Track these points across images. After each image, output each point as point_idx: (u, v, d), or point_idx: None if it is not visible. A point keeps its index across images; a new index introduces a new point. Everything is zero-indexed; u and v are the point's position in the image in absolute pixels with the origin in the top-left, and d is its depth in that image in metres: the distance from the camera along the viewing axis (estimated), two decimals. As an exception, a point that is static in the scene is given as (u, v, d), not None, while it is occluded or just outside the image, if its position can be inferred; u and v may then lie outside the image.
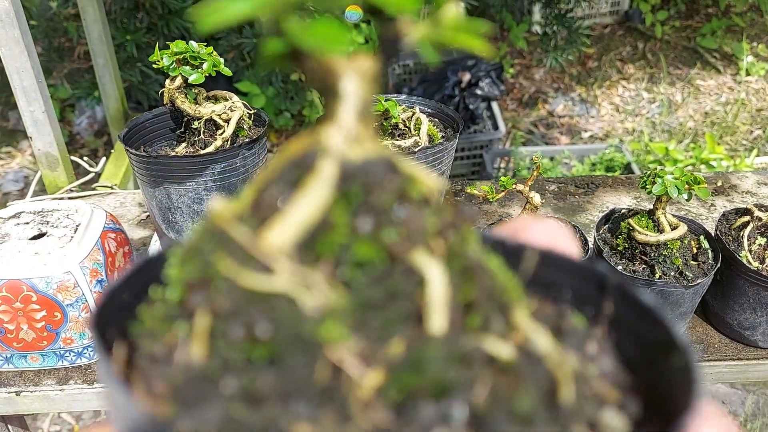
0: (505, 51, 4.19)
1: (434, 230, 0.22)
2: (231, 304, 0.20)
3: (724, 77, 4.09)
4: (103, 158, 1.38)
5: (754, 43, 4.25)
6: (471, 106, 3.43)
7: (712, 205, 1.29)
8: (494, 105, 3.45)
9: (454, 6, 0.22)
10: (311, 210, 0.21)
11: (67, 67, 3.45)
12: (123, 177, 1.48)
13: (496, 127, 3.32)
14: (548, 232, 0.29)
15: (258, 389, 0.19)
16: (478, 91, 3.47)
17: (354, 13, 0.21)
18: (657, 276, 0.94)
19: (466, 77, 3.51)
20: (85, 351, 0.99)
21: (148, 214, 1.27)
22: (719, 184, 1.35)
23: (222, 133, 0.85)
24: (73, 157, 1.32)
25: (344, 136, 0.22)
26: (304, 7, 0.21)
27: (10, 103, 3.61)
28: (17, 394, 0.97)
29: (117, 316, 0.23)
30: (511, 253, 0.27)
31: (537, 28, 3.92)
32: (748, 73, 4.07)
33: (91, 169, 1.33)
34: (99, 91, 1.69)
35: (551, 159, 3.39)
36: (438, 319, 0.21)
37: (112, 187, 1.38)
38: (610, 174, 1.99)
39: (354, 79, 0.22)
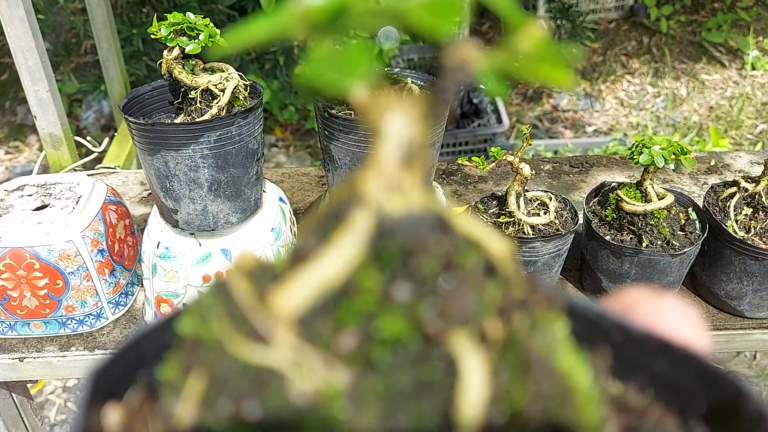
0: (509, 46, 4.20)
1: (493, 309, 0.18)
2: (221, 371, 0.17)
3: (729, 71, 4.09)
4: (106, 138, 1.41)
5: (760, 38, 4.25)
6: (475, 100, 3.45)
7: (705, 183, 1.31)
8: (498, 99, 3.47)
9: (538, 28, 0.18)
10: (334, 270, 0.18)
11: (74, 61, 3.50)
12: (126, 159, 1.51)
13: (500, 120, 3.34)
14: (669, 315, 0.22)
15: None
16: (482, 85, 3.48)
17: (389, 35, 0.17)
18: (644, 245, 0.95)
19: (470, 71, 3.52)
20: (87, 319, 1.02)
21: (149, 192, 1.30)
22: (712, 163, 1.36)
23: (218, 102, 0.88)
24: (76, 137, 1.35)
25: (384, 185, 0.18)
26: (332, 29, 0.18)
27: (18, 98, 3.66)
28: (20, 360, 1.00)
29: (147, 363, 0.20)
30: (614, 335, 0.21)
31: (542, 23, 3.93)
32: (753, 68, 4.06)
33: (94, 149, 1.36)
34: (104, 78, 1.72)
35: (555, 152, 3.40)
36: (467, 426, 0.17)
37: (114, 168, 1.41)
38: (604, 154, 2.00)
39: (400, 116, 0.19)
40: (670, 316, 0.22)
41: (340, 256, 0.18)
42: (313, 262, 0.18)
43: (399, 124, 0.19)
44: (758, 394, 0.19)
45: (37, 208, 1.02)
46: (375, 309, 0.18)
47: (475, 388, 0.17)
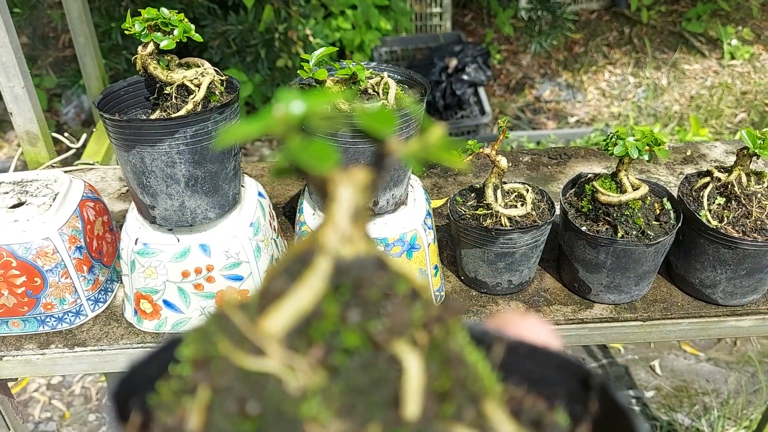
0: (491, 37, 4.21)
1: (419, 323, 0.24)
2: (227, 381, 0.22)
3: (709, 61, 4.12)
4: (84, 135, 1.39)
5: (739, 27, 4.28)
6: (458, 92, 3.46)
7: (681, 173, 1.32)
8: (481, 90, 3.47)
9: (438, 129, 0.26)
10: (305, 300, 0.24)
11: (52, 55, 3.45)
12: (105, 154, 1.50)
13: (483, 112, 3.35)
14: (532, 329, 0.30)
15: None
16: (465, 77, 3.49)
17: (345, 134, 0.25)
18: (619, 235, 0.97)
19: (453, 63, 3.52)
20: (66, 316, 1.02)
21: (128, 188, 1.29)
22: (688, 153, 1.38)
23: (193, 97, 0.87)
24: (54, 134, 1.34)
25: (338, 237, 0.25)
26: (304, 129, 0.24)
27: (-3, 93, 3.61)
28: (0, 358, 1.00)
29: (140, 389, 0.25)
30: (493, 345, 0.28)
31: (523, 14, 3.94)
32: (732, 57, 4.10)
33: (72, 145, 1.35)
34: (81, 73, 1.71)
35: (537, 143, 3.42)
36: (412, 405, 0.23)
37: (93, 164, 1.40)
38: (587, 144, 2.01)
39: (348, 187, 0.25)
40: (532, 328, 0.29)
41: (309, 290, 0.24)
42: (290, 295, 0.24)
43: (348, 193, 0.25)
44: (600, 374, 0.24)
45: (14, 206, 1.01)
46: (337, 328, 0.24)
47: (416, 377, 0.23)
